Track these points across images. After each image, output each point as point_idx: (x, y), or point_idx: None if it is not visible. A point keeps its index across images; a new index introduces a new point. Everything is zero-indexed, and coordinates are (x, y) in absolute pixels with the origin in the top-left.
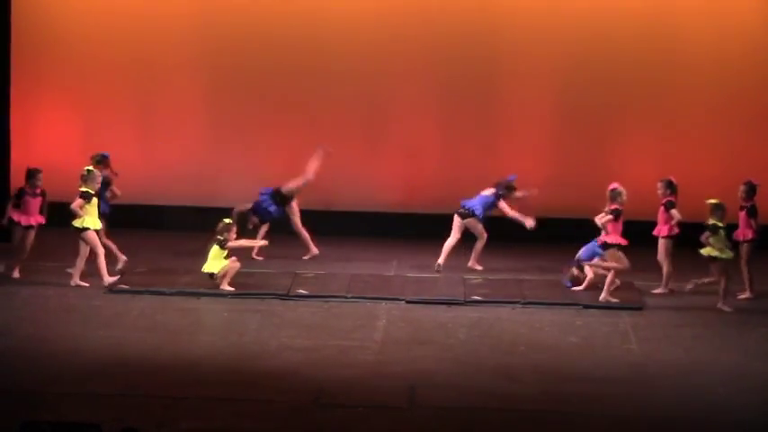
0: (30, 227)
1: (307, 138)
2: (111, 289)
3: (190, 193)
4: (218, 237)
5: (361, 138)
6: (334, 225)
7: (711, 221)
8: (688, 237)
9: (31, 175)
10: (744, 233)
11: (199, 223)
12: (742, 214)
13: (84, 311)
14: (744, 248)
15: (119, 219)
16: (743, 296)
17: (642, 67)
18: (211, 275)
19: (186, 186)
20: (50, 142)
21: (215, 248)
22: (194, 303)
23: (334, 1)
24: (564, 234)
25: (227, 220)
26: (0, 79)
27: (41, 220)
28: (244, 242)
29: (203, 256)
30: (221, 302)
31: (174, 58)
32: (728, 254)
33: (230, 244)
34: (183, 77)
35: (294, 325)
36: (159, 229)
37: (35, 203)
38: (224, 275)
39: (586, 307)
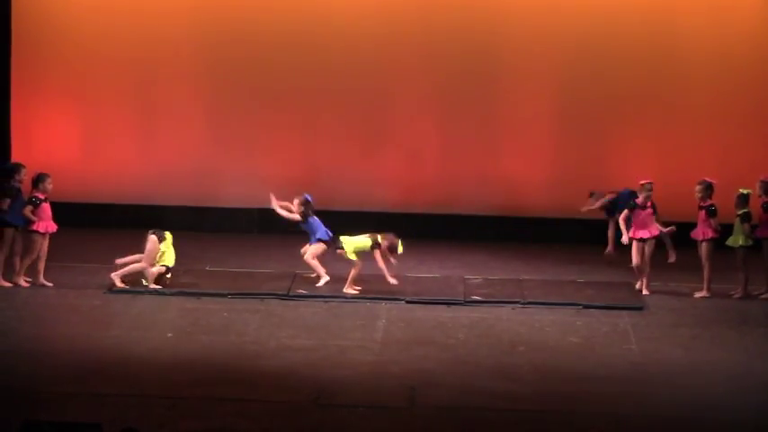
0: (46, 234)
1: (307, 137)
2: (112, 289)
3: (189, 193)
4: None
5: (361, 138)
6: (335, 225)
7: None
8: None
9: (41, 179)
10: (703, 232)
11: (199, 223)
12: (701, 214)
13: (84, 311)
14: (703, 248)
15: (119, 219)
16: (699, 295)
17: (642, 66)
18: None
19: (186, 186)
20: (50, 142)
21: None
22: (194, 303)
23: (334, 0)
24: (564, 234)
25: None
26: (0, 79)
27: (55, 227)
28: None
29: (203, 256)
30: (221, 302)
31: (173, 58)
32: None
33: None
34: (182, 77)
35: (294, 325)
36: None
37: (48, 209)
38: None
39: (586, 307)
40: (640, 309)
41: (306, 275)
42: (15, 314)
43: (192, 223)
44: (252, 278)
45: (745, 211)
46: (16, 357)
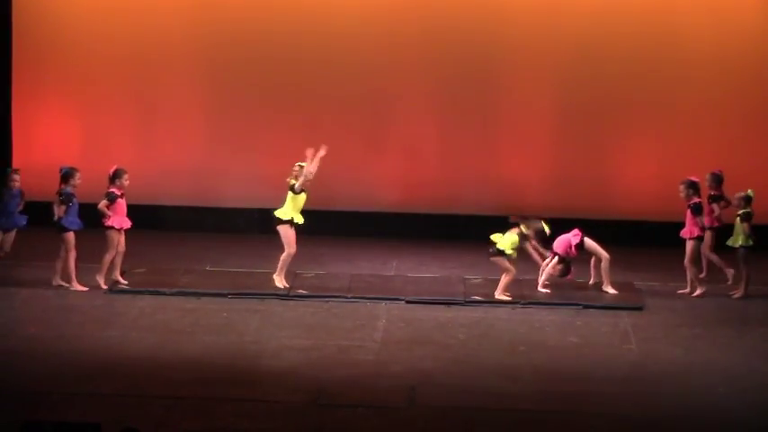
0: (122, 230)
1: (307, 137)
2: (111, 289)
3: (190, 193)
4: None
5: (361, 138)
6: (334, 225)
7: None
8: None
9: (119, 175)
10: (690, 231)
11: (199, 223)
12: (688, 212)
13: (84, 311)
14: (688, 246)
15: None
16: (696, 293)
17: (642, 66)
18: (500, 252)
19: (186, 186)
20: (50, 142)
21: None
22: (194, 303)
23: (335, 1)
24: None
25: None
26: (1, 80)
27: (129, 223)
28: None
29: (203, 256)
30: (221, 302)
31: (174, 58)
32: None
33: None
34: (183, 77)
35: (294, 325)
36: (159, 229)
37: (124, 205)
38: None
39: (586, 307)
40: (640, 309)
41: (305, 275)
42: (15, 314)
43: (192, 223)
44: (252, 278)
45: (746, 210)
46: (16, 357)
